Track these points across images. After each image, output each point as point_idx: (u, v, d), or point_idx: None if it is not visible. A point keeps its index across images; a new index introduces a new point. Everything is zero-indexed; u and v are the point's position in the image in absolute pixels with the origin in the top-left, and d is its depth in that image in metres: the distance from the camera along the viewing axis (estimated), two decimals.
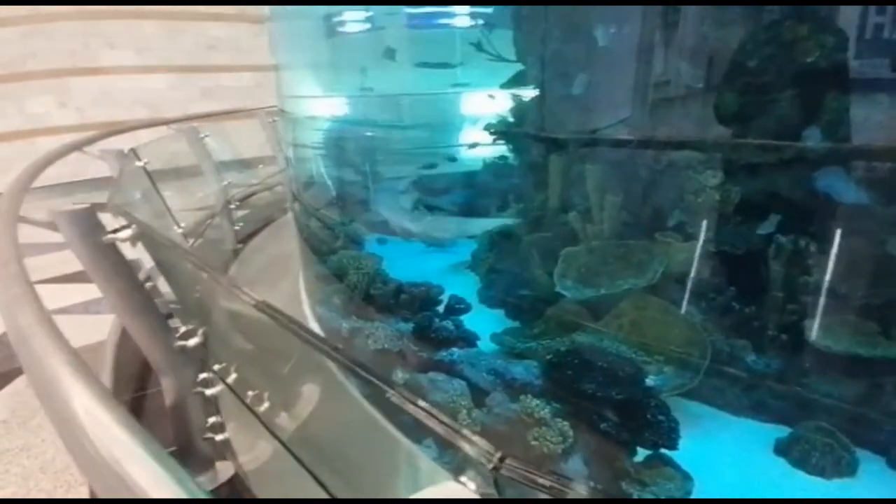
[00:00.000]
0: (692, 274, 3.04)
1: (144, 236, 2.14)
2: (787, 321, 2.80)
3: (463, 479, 0.72)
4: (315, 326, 3.24)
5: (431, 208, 4.73)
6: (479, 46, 4.12)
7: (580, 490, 0.66)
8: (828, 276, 2.70)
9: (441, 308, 3.11)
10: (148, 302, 2.15)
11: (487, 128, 4.64)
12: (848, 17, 2.53)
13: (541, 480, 0.64)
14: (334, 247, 3.66)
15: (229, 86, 11.55)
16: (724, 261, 3.01)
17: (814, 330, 2.70)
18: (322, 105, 5.24)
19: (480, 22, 4.49)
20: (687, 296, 3.03)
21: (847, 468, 2.46)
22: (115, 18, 10.79)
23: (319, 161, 5.10)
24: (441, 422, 0.81)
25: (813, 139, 2.77)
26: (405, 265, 4.28)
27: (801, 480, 2.44)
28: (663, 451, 2.21)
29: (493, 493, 0.68)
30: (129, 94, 11.00)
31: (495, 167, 5.54)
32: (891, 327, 2.66)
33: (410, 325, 2.87)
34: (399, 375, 2.59)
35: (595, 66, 3.24)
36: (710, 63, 2.94)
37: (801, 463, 2.51)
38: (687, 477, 2.17)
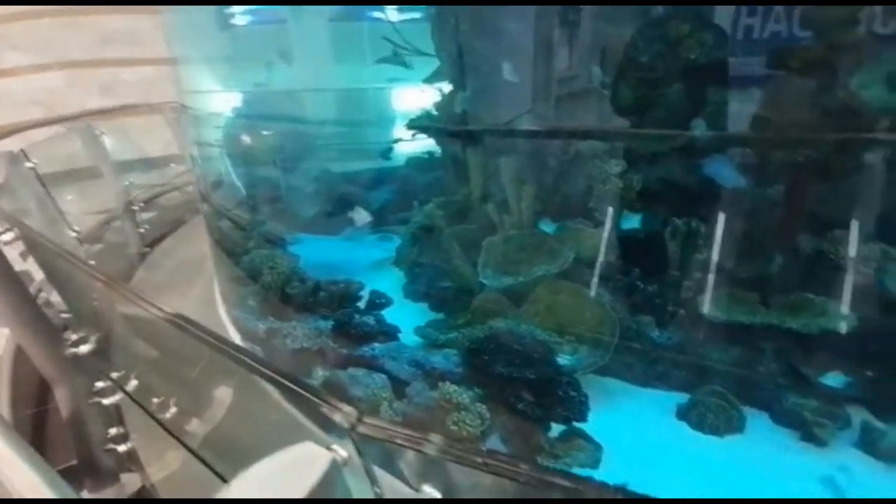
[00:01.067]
0: (601, 258, 3.24)
1: (32, 242, 1.97)
2: (684, 297, 3.05)
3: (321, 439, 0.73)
4: (231, 330, 3.11)
5: (353, 205, 4.68)
6: (393, 42, 4.12)
7: (437, 441, 0.69)
8: (715, 254, 2.97)
9: (362, 304, 3.10)
10: (37, 311, 1.98)
11: (410, 123, 4.67)
12: (723, 18, 2.80)
13: (399, 438, 0.66)
14: (247, 247, 3.53)
15: (131, 80, 10.75)
16: (629, 244, 3.23)
17: (706, 303, 2.97)
18: (227, 100, 5.03)
19: (396, 16, 4.49)
20: (597, 278, 3.21)
21: (737, 425, 2.72)
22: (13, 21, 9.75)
23: (228, 159, 4.89)
24: (304, 389, 0.81)
25: (699, 129, 3.04)
26: (327, 263, 4.21)
27: (699, 440, 2.68)
28: (575, 424, 2.34)
29: (352, 451, 0.70)
30: (26, 95, 9.99)
31: (419, 162, 5.58)
32: (768, 297, 2.97)
33: (330, 323, 2.84)
34: (319, 373, 2.55)
35: (504, 60, 3.35)
36: (607, 58, 3.14)
37: (698, 424, 2.75)
38: (597, 446, 2.32)
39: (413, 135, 4.29)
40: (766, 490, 2.28)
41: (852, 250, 2.66)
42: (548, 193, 3.47)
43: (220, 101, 5.14)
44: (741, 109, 2.83)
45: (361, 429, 0.69)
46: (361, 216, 4.78)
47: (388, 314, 3.10)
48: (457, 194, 4.35)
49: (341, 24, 5.56)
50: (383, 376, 2.49)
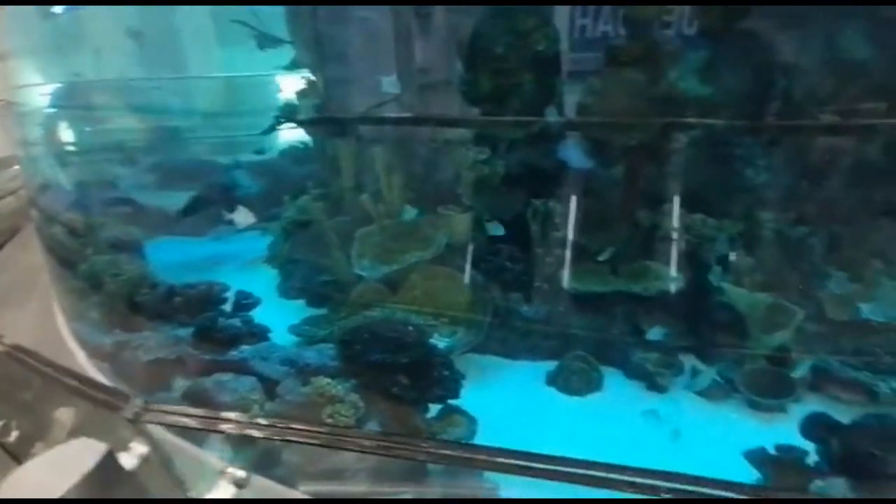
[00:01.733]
0: (472, 241, 3.37)
1: None
2: (547, 272, 3.29)
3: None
4: (73, 345, 2.75)
5: (215, 202, 4.36)
6: (248, 24, 3.87)
7: (233, 417, 0.67)
8: (571, 232, 3.25)
9: (228, 306, 2.91)
10: None
11: (274, 114, 4.44)
12: (561, 16, 3.04)
13: (188, 420, 0.63)
14: (85, 254, 3.12)
15: None
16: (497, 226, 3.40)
17: (566, 276, 3.23)
18: (55, 93, 4.39)
19: None
20: (469, 261, 3.35)
21: (596, 384, 3.02)
22: None
23: (58, 157, 4.29)
24: (83, 384, 0.75)
25: (551, 116, 3.28)
26: (190, 266, 3.89)
27: (565, 401, 2.93)
28: (451, 402, 2.43)
29: (140, 440, 0.66)
30: None
31: (287, 154, 5.34)
32: (618, 266, 3.32)
33: (191, 329, 2.63)
34: (179, 384, 2.36)
35: (364, 47, 3.32)
36: (466, 49, 3.24)
37: (564, 388, 3.00)
38: (472, 420, 2.43)
39: (277, 125, 4.10)
40: (618, 438, 2.55)
41: (676, 221, 3.05)
42: (419, 181, 3.52)
43: (48, 94, 4.47)
44: (584, 99, 3.10)
45: (149, 417, 0.65)
46: (244, 217, 4.44)
47: (259, 314, 2.95)
48: (331, 186, 4.25)
49: (193, 8, 5.10)
50: (252, 378, 2.37)
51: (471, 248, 3.36)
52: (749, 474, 2.14)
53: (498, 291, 3.33)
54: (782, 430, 2.44)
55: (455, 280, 3.26)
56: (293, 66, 4.06)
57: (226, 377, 2.36)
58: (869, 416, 1.99)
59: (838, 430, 1.99)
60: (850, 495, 1.79)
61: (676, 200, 3.02)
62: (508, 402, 2.86)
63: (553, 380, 3.07)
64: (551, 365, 3.15)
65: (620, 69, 3.01)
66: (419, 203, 3.44)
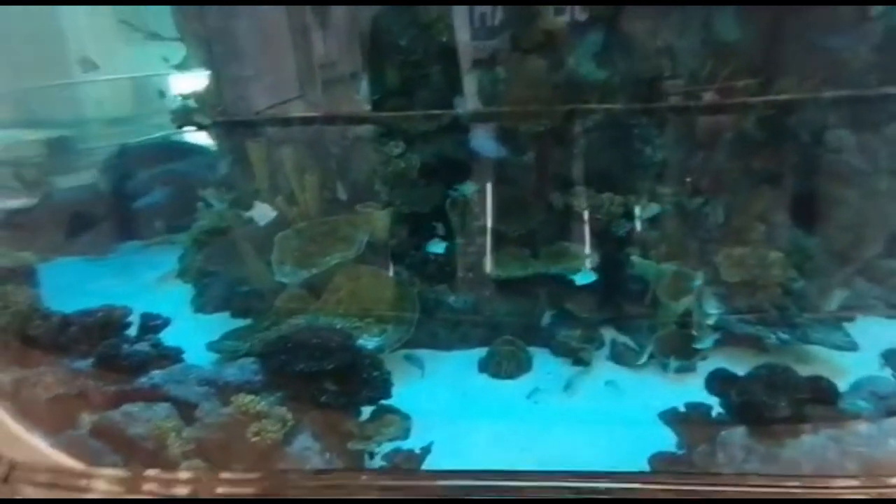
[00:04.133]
0: (394, 237, 3.35)
1: None
2: (470, 261, 3.34)
3: None
4: None
5: (106, 217, 4.00)
6: (131, 24, 3.56)
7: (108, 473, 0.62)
8: (490, 219, 3.32)
9: (132, 330, 2.70)
10: None
11: (173, 116, 4.13)
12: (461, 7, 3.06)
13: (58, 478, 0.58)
14: None
15: None
16: (417, 220, 3.40)
17: (488, 264, 3.30)
18: None
19: None
20: (393, 258, 3.32)
21: (526, 366, 3.11)
22: None
23: None
24: None
25: (461, 107, 3.31)
26: (88, 290, 3.57)
27: (497, 386, 3.00)
28: (383, 402, 2.42)
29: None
30: None
31: (193, 158, 5.00)
32: (538, 250, 3.43)
33: (91, 360, 2.41)
34: (86, 420, 2.16)
35: (261, 44, 3.17)
36: (370, 42, 3.19)
37: (496, 373, 3.08)
38: (406, 417, 2.43)
39: (179, 128, 3.82)
40: (549, 413, 2.66)
41: (585, 202, 3.20)
42: (334, 180, 3.43)
43: None
44: (490, 88, 3.16)
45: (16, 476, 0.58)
46: (263, 212, 3.96)
47: (170, 335, 2.76)
48: (244, 191, 4.04)
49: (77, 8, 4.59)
50: (166, 405, 2.22)
51: (394, 243, 3.35)
52: (664, 433, 2.30)
53: (425, 284, 3.34)
54: (693, 388, 2.65)
55: (380, 278, 3.23)
56: (188, 65, 3.79)
57: (135, 407, 2.19)
58: (760, 367, 2.21)
59: (735, 382, 2.20)
60: (748, 442, 1.98)
61: (584, 182, 3.17)
62: (442, 392, 2.89)
63: (485, 366, 3.13)
64: (481, 352, 3.22)
65: (522, 57, 3.09)
66: (336, 203, 3.35)
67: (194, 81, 3.77)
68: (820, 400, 1.97)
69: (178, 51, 3.72)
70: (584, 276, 3.19)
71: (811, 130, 3.00)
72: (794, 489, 1.39)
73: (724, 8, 3.11)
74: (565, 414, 2.69)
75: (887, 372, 2.34)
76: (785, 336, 2.94)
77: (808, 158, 3.10)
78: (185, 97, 3.93)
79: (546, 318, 3.25)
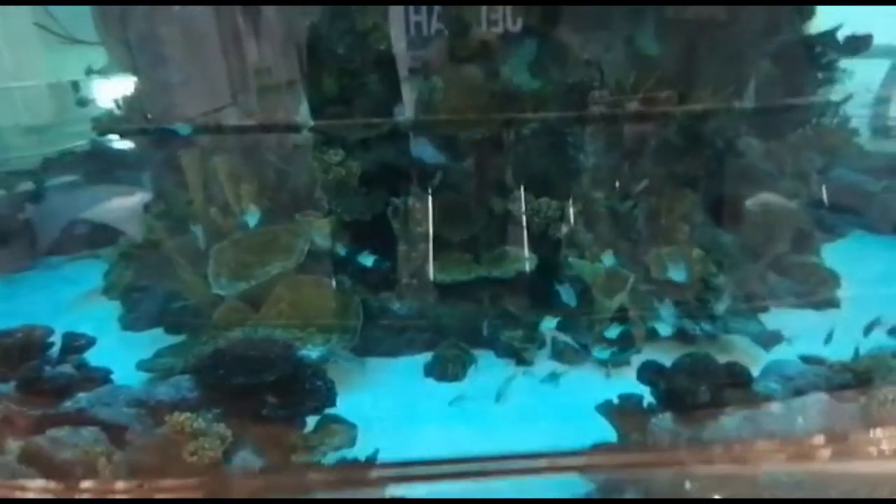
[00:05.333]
0: (336, 245, 3.32)
1: None
2: (414, 267, 3.37)
3: None
4: None
5: (21, 231, 3.73)
6: (47, 28, 3.34)
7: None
8: (432, 225, 3.36)
9: (55, 351, 2.52)
10: None
11: (95, 124, 3.90)
12: (397, 14, 3.10)
13: None
14: None
15: None
16: (359, 228, 3.39)
17: (431, 269, 3.34)
18: None
19: None
20: (335, 266, 3.29)
21: (470, 368, 3.17)
22: None
23: None
24: None
25: (400, 114, 3.34)
26: (6, 310, 3.31)
27: (443, 389, 3.03)
28: (327, 412, 2.38)
29: None
30: None
31: (119, 168, 4.74)
32: (480, 254, 3.51)
33: (13, 383, 2.23)
34: (11, 446, 2.00)
35: (190, 49, 3.07)
36: (306, 50, 3.16)
37: (441, 376, 3.11)
38: (351, 426, 2.41)
39: (99, 134, 3.61)
40: (493, 411, 2.71)
41: (524, 206, 3.31)
42: (273, 189, 3.36)
43: None
44: (428, 96, 3.21)
45: None
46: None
47: (97, 354, 2.60)
48: (176, 202, 3.88)
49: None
50: (94, 429, 2.09)
51: (335, 251, 3.31)
52: (601, 425, 2.41)
53: (369, 292, 3.33)
54: (628, 380, 2.79)
55: (322, 287, 3.19)
56: (110, 70, 3.60)
57: (62, 432, 2.05)
58: (684, 357, 2.37)
59: (663, 372, 2.34)
60: (675, 427, 2.12)
61: (522, 188, 3.28)
62: (388, 399, 2.89)
63: (430, 370, 3.15)
64: (427, 357, 3.24)
65: (459, 66, 3.17)
66: (275, 212, 3.28)
67: (118, 88, 3.59)
68: (736, 384, 2.14)
69: (100, 56, 3.53)
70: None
71: (725, 138, 3.26)
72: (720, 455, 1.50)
73: (646, 24, 3.33)
74: (508, 412, 2.75)
75: None
76: (707, 328, 3.15)
77: (723, 164, 3.36)
78: (107, 104, 3.74)
79: (488, 321, 3.32)
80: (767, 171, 3.31)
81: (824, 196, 3.58)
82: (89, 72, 3.64)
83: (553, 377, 2.81)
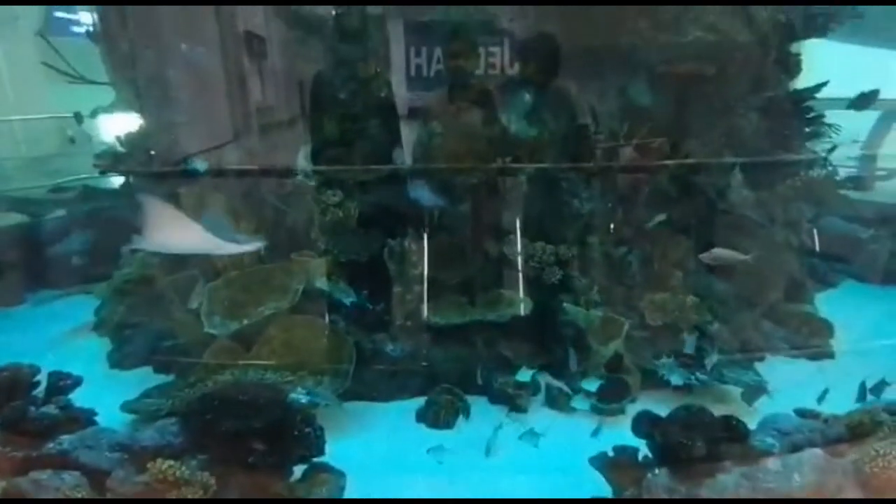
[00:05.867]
0: (331, 286, 3.31)
1: None
2: (409, 309, 3.35)
3: None
4: None
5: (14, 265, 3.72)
6: (55, 68, 3.44)
7: None
8: (428, 267, 3.37)
9: (40, 391, 2.46)
10: None
11: (97, 160, 3.96)
12: (398, 57, 3.21)
13: None
14: None
15: None
16: (355, 268, 3.39)
17: (426, 312, 3.33)
18: None
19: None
20: (329, 307, 3.27)
21: (464, 414, 3.11)
22: None
23: None
24: None
25: (399, 159, 3.41)
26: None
27: (434, 436, 2.95)
28: (315, 460, 2.32)
29: None
30: None
31: (119, 203, 4.77)
32: (474, 297, 3.50)
33: None
34: None
35: (195, 90, 3.15)
36: (309, 94, 3.25)
37: (434, 423, 3.05)
38: (340, 475, 2.34)
39: (102, 172, 3.66)
40: (484, 463, 2.65)
41: (520, 250, 3.34)
42: (270, 227, 3.38)
43: None
44: (427, 140, 3.29)
45: None
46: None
47: (83, 394, 2.54)
48: None
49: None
50: (76, 473, 2.02)
51: (330, 292, 3.30)
52: (595, 478, 2.35)
53: (363, 333, 3.30)
54: (623, 430, 2.74)
55: (316, 327, 3.16)
56: (116, 108, 3.68)
57: (44, 475, 1.99)
58: (679, 409, 2.34)
59: (658, 424, 2.30)
60: (672, 483, 2.07)
61: (519, 231, 3.32)
62: (379, 446, 2.82)
63: (423, 416, 3.10)
64: (419, 402, 3.18)
65: (458, 112, 3.26)
66: (271, 250, 3.28)
67: (123, 125, 3.66)
68: (732, 438, 2.11)
69: (108, 94, 3.61)
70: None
71: (716, 187, 3.33)
72: None
73: (638, 76, 3.44)
74: (499, 464, 2.69)
75: None
76: (703, 377, 3.13)
77: (716, 212, 3.41)
78: (111, 140, 3.80)
79: (483, 365, 3.28)
80: (757, 220, 3.36)
81: (815, 245, 3.63)
82: (95, 113, 3.71)
83: (531, 435, 2.67)
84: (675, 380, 3.03)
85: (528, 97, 3.45)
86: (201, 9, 3.25)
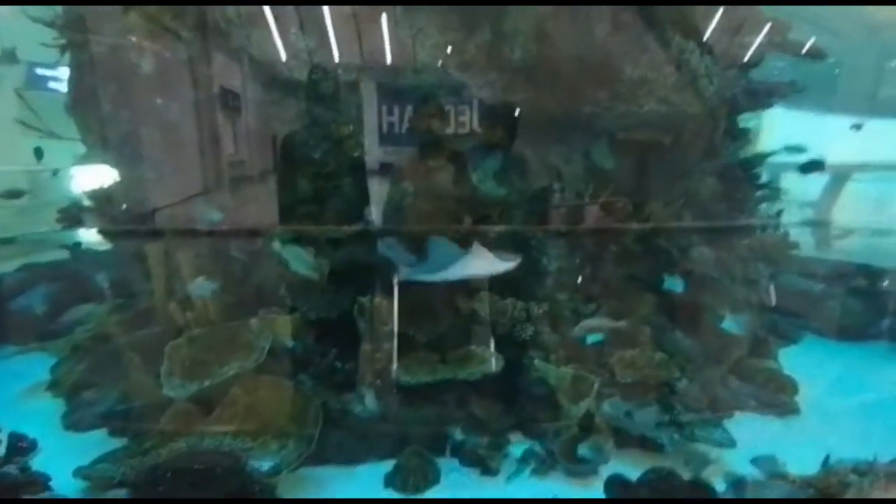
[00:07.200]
0: (299, 344, 3.24)
1: None
2: (378, 367, 3.28)
3: None
4: None
5: None
6: (26, 124, 3.44)
7: None
8: (398, 324, 3.33)
9: (2, 450, 2.29)
10: None
11: (61, 214, 3.89)
12: (371, 119, 3.32)
13: None
14: None
15: None
16: (324, 326, 3.34)
17: (396, 370, 3.26)
18: None
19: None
20: (296, 366, 3.19)
21: (433, 478, 2.99)
22: None
23: None
24: None
25: (371, 217, 3.45)
26: None
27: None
28: None
29: None
30: None
31: (85, 257, 4.67)
32: (446, 354, 3.47)
33: None
34: None
35: (166, 147, 3.18)
36: (282, 152, 3.30)
37: (403, 487, 2.92)
38: None
39: (65, 227, 3.59)
40: None
41: (490, 307, 3.36)
42: (236, 284, 3.33)
43: None
44: (399, 199, 3.35)
45: None
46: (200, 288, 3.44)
47: (38, 458, 2.37)
48: (137, 294, 3.78)
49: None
50: None
51: (298, 351, 3.23)
52: None
53: (331, 393, 3.20)
54: (597, 492, 2.68)
55: (281, 388, 3.06)
56: (85, 162, 3.66)
57: None
58: (648, 472, 2.31)
59: (629, 488, 2.27)
60: None
61: (488, 288, 3.35)
62: None
63: (391, 481, 2.97)
64: (389, 464, 3.07)
65: (428, 173, 3.35)
66: (237, 307, 3.22)
67: (90, 180, 3.63)
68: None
69: (78, 149, 3.60)
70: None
71: (678, 246, 3.45)
72: None
73: (600, 141, 3.63)
74: None
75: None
76: (675, 435, 3.11)
77: (679, 270, 3.52)
78: (78, 194, 3.75)
79: (454, 426, 3.21)
80: (718, 278, 3.48)
81: (773, 302, 3.76)
82: (56, 172, 3.69)
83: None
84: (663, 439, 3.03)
85: (497, 159, 3.59)
86: (178, 68, 3.33)
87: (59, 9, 3.30)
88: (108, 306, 3.79)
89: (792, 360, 3.83)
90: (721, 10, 3.21)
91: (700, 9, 3.37)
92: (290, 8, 3.55)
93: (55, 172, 4.00)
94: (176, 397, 2.96)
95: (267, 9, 3.51)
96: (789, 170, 4.08)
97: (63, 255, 4.53)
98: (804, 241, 4.25)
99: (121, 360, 3.38)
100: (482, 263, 2.87)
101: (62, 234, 3.90)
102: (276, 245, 3.07)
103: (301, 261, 3.04)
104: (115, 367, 3.39)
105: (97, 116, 3.34)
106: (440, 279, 3.02)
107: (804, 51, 3.47)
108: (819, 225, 4.87)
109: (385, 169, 3.42)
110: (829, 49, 3.66)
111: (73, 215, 3.54)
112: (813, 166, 3.54)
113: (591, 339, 3.34)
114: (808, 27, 4.09)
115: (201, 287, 3.15)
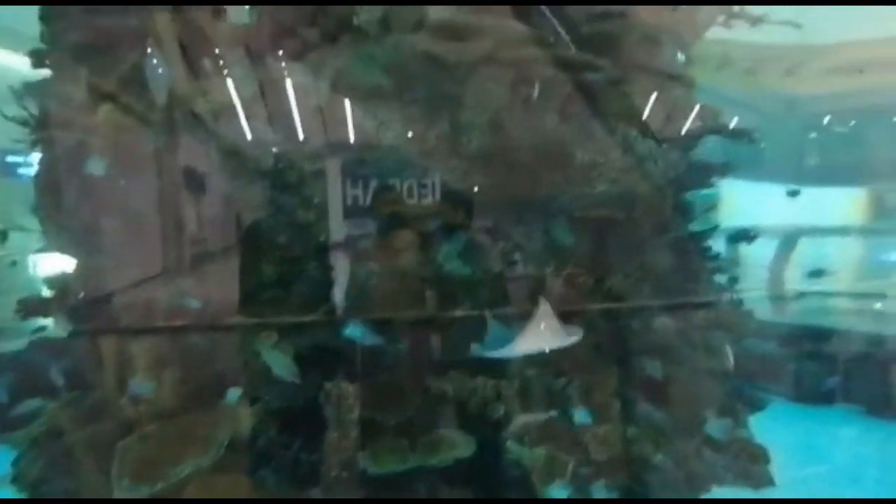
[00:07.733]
0: (260, 436, 3.09)
1: None
2: (344, 458, 3.14)
3: None
4: None
5: None
6: None
7: None
8: (366, 410, 3.23)
9: None
10: None
11: (19, 306, 3.75)
12: (336, 203, 3.40)
13: None
14: None
15: None
16: (288, 416, 3.21)
17: (363, 459, 3.12)
18: None
19: None
20: (258, 460, 3.03)
21: None
22: None
23: None
24: None
25: (338, 299, 3.44)
26: None
27: None
28: None
29: None
30: None
31: (43, 348, 4.44)
32: (416, 440, 3.35)
33: None
34: None
35: (127, 235, 3.17)
36: (247, 238, 3.33)
37: None
38: None
39: (25, 315, 3.46)
40: None
41: (460, 387, 3.31)
42: (196, 374, 3.21)
43: None
44: (364, 281, 3.37)
45: None
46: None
47: None
48: (90, 387, 3.59)
49: None
50: None
51: (260, 443, 3.08)
52: None
53: (293, 488, 3.03)
54: None
55: (240, 487, 2.88)
56: (45, 251, 3.60)
57: None
58: None
59: None
60: None
61: (457, 368, 3.31)
62: None
63: None
64: None
65: (393, 255, 3.41)
66: (196, 399, 3.08)
67: (50, 269, 3.55)
68: None
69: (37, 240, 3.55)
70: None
71: (640, 318, 3.54)
72: None
73: (559, 220, 3.79)
74: None
75: None
76: None
77: (642, 341, 3.59)
78: (36, 283, 3.65)
79: None
80: (680, 347, 3.55)
81: (737, 368, 3.83)
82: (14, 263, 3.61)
83: None
84: None
85: (460, 239, 3.68)
86: (145, 158, 3.39)
87: (32, 107, 3.40)
88: (61, 400, 3.57)
89: (763, 426, 3.84)
90: (654, 96, 3.54)
91: (639, 96, 3.68)
92: (258, 99, 3.73)
93: (14, 263, 3.94)
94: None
95: (236, 99, 3.67)
96: (741, 239, 4.34)
97: (21, 344, 4.32)
98: (759, 306, 4.41)
99: (74, 457, 3.16)
100: (549, 336, 2.78)
101: (21, 325, 3.75)
102: (260, 347, 3.05)
103: (283, 366, 3.02)
104: (69, 465, 3.16)
105: (59, 207, 3.34)
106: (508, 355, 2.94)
107: (733, 132, 3.82)
108: (772, 288, 5.09)
109: (351, 244, 3.46)
110: (753, 125, 4.04)
111: (31, 306, 3.42)
112: (745, 234, 3.75)
113: (579, 418, 3.31)
114: (736, 109, 4.52)
115: (139, 387, 3.08)
